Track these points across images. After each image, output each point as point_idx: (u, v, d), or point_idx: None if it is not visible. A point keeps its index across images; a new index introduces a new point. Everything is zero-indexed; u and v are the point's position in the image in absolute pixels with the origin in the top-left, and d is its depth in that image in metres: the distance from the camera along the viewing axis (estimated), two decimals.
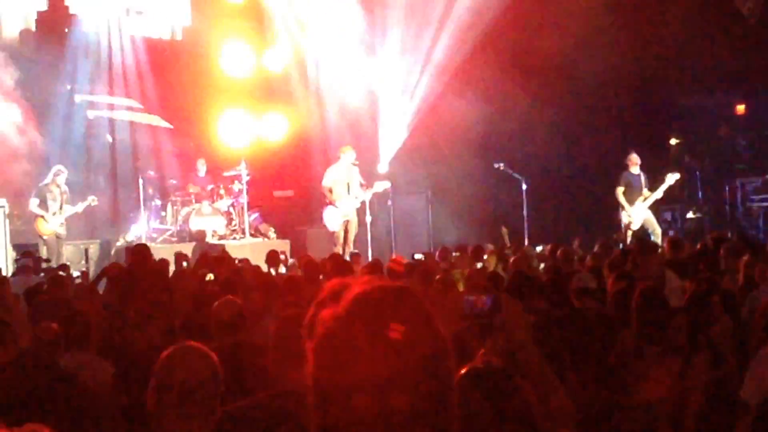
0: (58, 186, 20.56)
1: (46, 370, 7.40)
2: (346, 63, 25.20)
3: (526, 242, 20.22)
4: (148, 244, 18.37)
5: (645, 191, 20.45)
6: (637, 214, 20.41)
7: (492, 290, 8.04)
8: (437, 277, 10.90)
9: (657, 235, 19.77)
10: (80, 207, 20.90)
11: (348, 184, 20.58)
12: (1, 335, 7.92)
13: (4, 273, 15.92)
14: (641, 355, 7.82)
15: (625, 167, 20.63)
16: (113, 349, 8.22)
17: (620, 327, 8.32)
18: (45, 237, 20.19)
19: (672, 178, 20.47)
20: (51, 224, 20.28)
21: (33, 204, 20.36)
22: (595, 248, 14.95)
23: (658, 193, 20.46)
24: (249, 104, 25.38)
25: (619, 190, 20.56)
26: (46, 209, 20.30)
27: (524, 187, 21.73)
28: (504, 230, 19.48)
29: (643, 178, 20.59)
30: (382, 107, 24.91)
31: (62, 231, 20.55)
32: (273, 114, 25.49)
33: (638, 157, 20.57)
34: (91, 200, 21.19)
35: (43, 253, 20.03)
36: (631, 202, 20.48)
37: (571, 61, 22.77)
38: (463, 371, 3.60)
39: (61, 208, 20.45)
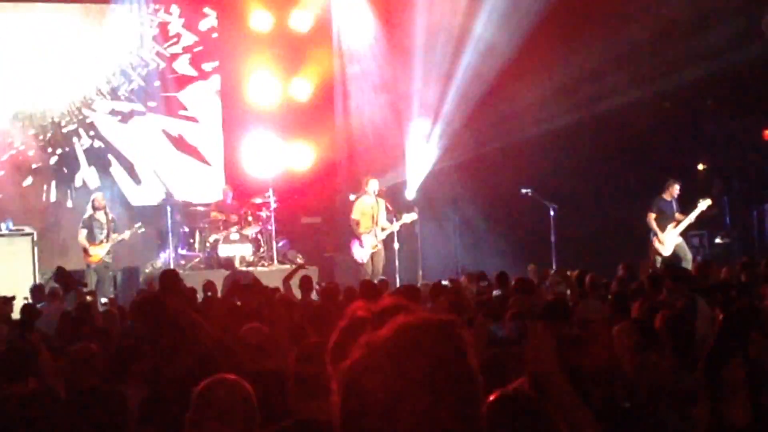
0: (105, 213, 20.67)
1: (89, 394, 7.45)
2: (373, 89, 25.27)
3: (554, 268, 20.18)
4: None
5: (677, 216, 20.46)
6: (669, 240, 20.41)
7: (518, 317, 8.05)
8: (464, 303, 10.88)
9: (688, 261, 19.72)
10: (127, 234, 21.07)
11: (374, 215, 20.63)
12: (21, 368, 7.98)
13: (30, 300, 15.97)
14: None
15: (660, 193, 20.70)
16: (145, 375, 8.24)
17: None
18: (93, 266, 20.30)
19: (704, 203, 20.45)
20: (98, 253, 20.38)
21: (81, 235, 20.54)
22: (619, 273, 14.90)
23: (690, 219, 20.47)
24: (276, 132, 25.46)
25: (652, 216, 20.60)
26: (93, 239, 20.41)
27: (552, 213, 21.69)
28: (530, 267, 19.38)
29: (675, 204, 20.63)
30: (409, 133, 24.93)
31: (109, 259, 20.64)
32: (300, 141, 25.55)
33: (679, 189, 20.65)
34: (138, 227, 21.39)
35: (92, 281, 20.16)
36: (662, 228, 20.50)
37: (598, 87, 22.77)
38: (492, 397, 3.61)
39: (107, 236, 20.53)
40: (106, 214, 20.78)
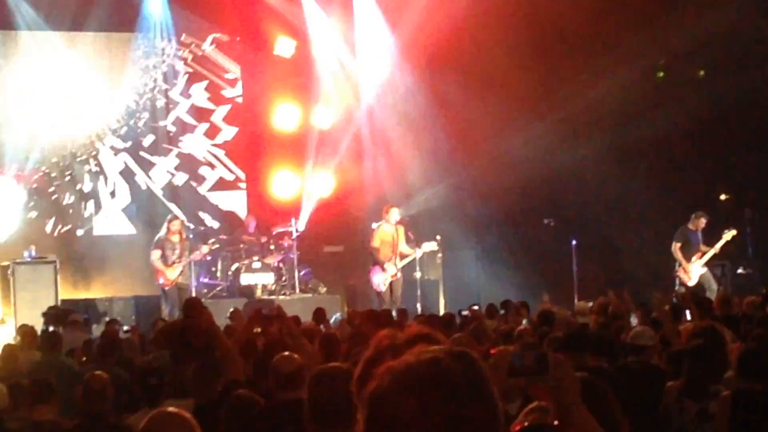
0: (178, 234, 20.66)
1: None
2: (395, 117, 25.28)
3: (576, 298, 20.16)
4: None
5: (702, 247, 20.49)
6: (694, 270, 20.43)
7: (539, 347, 8.04)
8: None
9: (713, 291, 19.67)
10: (205, 249, 21.13)
11: (393, 243, 20.67)
12: (43, 394, 8.05)
13: (53, 329, 16.06)
14: (681, 410, 7.81)
15: (685, 223, 20.76)
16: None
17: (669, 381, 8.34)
18: (166, 289, 20.33)
19: (729, 234, 20.50)
20: (170, 275, 20.38)
21: (154, 256, 20.56)
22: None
23: (715, 250, 20.50)
24: (297, 160, 25.52)
25: (677, 246, 20.64)
26: (166, 260, 20.42)
27: (574, 243, 21.68)
28: (546, 297, 19.38)
29: (700, 235, 20.66)
30: (432, 162, 24.94)
31: (183, 280, 20.62)
32: (322, 170, 25.58)
33: (705, 222, 20.69)
34: (212, 242, 21.48)
35: (164, 308, 20.26)
36: (688, 258, 20.52)
37: (621, 118, 22.80)
38: (515, 429, 3.61)
39: (180, 257, 20.53)
40: (180, 235, 20.83)
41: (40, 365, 11.64)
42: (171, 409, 4.56)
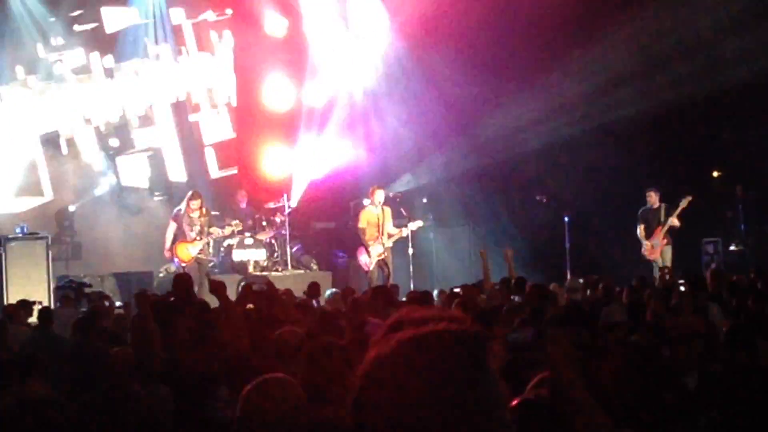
0: (198, 210, 20.29)
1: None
2: (388, 95, 25.26)
3: (568, 275, 20.15)
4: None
5: (671, 220, 20.53)
6: (656, 246, 20.54)
7: (536, 324, 8.04)
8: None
9: (663, 267, 19.74)
10: (227, 230, 20.98)
11: (379, 224, 20.62)
12: (34, 368, 8.06)
13: (47, 305, 16.11)
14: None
15: (645, 204, 20.88)
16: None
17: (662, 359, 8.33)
18: (184, 264, 20.09)
19: (685, 201, 20.45)
20: (188, 251, 20.21)
21: (169, 230, 20.36)
22: (633, 282, 14.84)
23: (672, 220, 20.50)
24: (290, 137, 25.48)
25: (640, 228, 20.79)
26: (184, 236, 20.20)
27: (566, 219, 21.69)
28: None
29: (663, 211, 20.67)
30: (425, 139, 24.92)
31: (203, 257, 20.44)
32: (314, 147, 25.54)
33: (656, 195, 20.73)
34: (235, 224, 21.31)
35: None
36: (649, 235, 20.63)
37: (613, 96, 22.77)
38: (514, 403, 3.60)
39: (201, 234, 20.28)
40: (200, 211, 20.37)
41: (30, 340, 11.63)
42: (275, 375, 4.42)
